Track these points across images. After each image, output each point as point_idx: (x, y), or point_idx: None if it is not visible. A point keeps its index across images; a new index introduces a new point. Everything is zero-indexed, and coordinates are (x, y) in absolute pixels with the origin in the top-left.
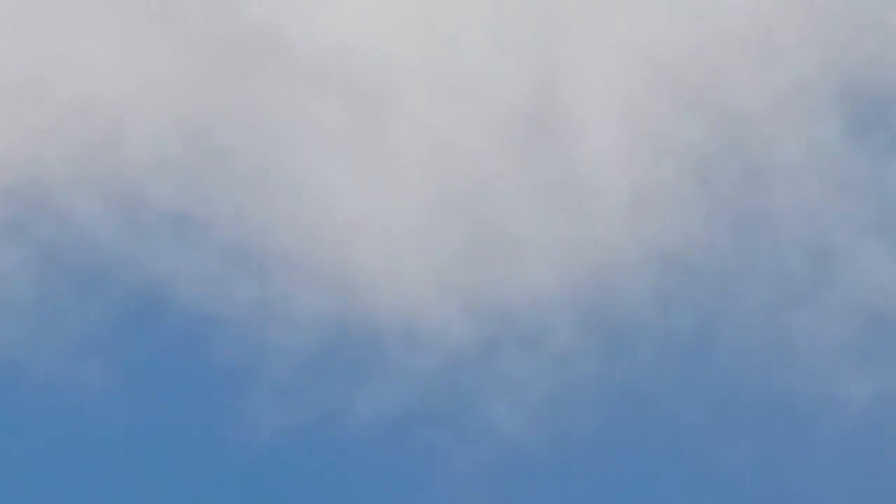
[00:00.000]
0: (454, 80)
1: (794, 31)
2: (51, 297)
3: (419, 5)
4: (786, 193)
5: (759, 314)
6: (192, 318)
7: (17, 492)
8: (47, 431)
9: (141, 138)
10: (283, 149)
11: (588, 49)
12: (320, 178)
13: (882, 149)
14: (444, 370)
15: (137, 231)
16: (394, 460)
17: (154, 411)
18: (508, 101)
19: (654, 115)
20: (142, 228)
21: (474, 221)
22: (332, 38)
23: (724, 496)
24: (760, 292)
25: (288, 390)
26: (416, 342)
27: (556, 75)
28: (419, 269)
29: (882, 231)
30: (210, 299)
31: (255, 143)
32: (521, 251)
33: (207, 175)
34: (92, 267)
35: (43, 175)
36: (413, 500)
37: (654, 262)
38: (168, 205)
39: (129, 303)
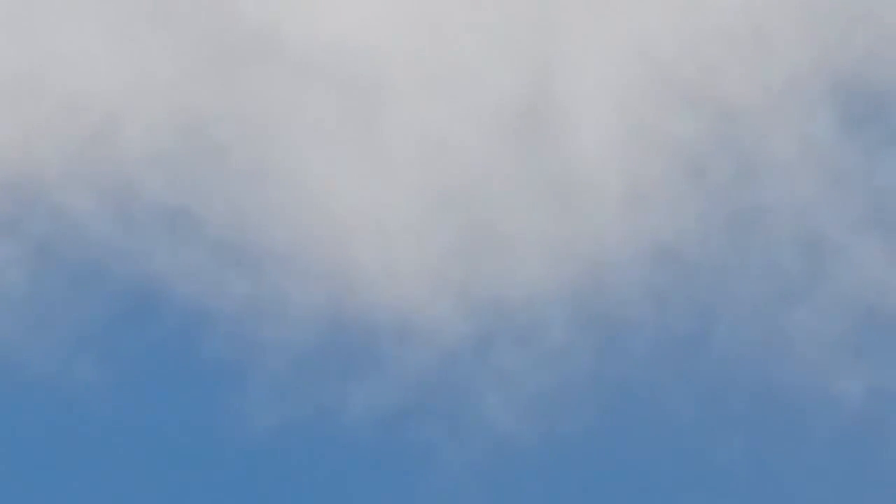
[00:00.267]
0: (449, 76)
1: (787, 26)
2: (44, 293)
3: (413, 1)
4: (779, 189)
5: (753, 310)
6: (187, 314)
7: (11, 488)
8: (41, 427)
9: (135, 134)
10: (278, 144)
11: (582, 45)
12: (315, 174)
13: (875, 144)
14: (439, 366)
15: (131, 227)
16: (388, 456)
17: (148, 407)
18: (503, 98)
19: (647, 111)
20: (136, 224)
21: (469, 217)
22: (326, 33)
23: (718, 492)
24: (754, 288)
25: (282, 386)
26: (411, 338)
27: (549, 71)
28: (413, 265)
29: (875, 226)
30: (204, 295)
31: (249, 139)
32: (516, 247)
33: (202, 170)
34: (86, 263)
35: (36, 170)
36: (407, 496)
37: (647, 257)
38: (162, 200)
39: (123, 298)
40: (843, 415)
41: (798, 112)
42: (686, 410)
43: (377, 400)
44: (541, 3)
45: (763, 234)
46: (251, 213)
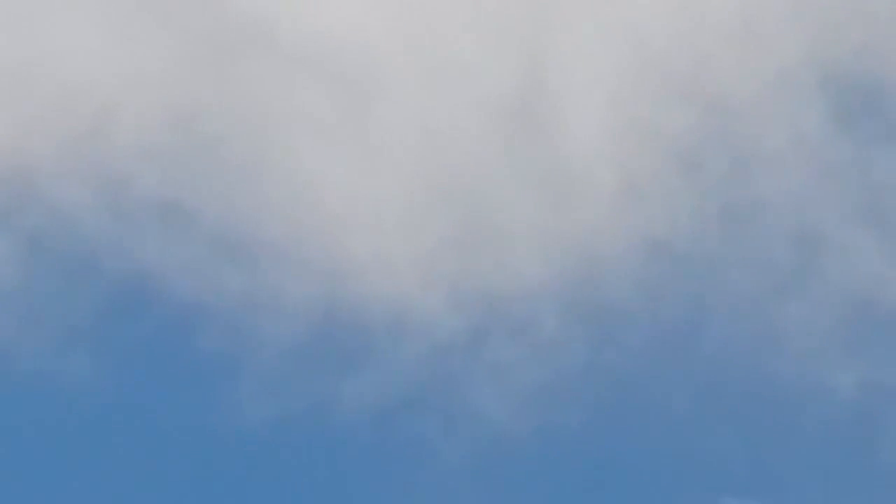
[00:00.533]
0: (441, 68)
1: (780, 21)
2: (37, 286)
3: None
4: (772, 182)
5: (746, 303)
6: (180, 307)
7: (4, 480)
8: (34, 420)
9: (128, 127)
10: (272, 138)
11: (575, 40)
12: (308, 167)
13: (867, 138)
14: (432, 359)
15: (125, 220)
16: (382, 449)
17: (141, 400)
18: (496, 90)
19: (640, 105)
20: (129, 217)
21: (462, 211)
22: (319, 27)
23: (711, 483)
24: (747, 281)
25: (276, 379)
26: (404, 331)
27: (543, 66)
28: (407, 258)
29: (868, 220)
30: (197, 288)
31: (242, 132)
32: (509, 240)
33: (195, 164)
34: (79, 256)
35: (30, 164)
36: (401, 488)
37: (640, 250)
38: (155, 193)
39: (116, 292)
40: (835, 407)
41: (791, 106)
42: (679, 402)
43: (371, 393)
44: None
45: (756, 228)
46: (244, 207)
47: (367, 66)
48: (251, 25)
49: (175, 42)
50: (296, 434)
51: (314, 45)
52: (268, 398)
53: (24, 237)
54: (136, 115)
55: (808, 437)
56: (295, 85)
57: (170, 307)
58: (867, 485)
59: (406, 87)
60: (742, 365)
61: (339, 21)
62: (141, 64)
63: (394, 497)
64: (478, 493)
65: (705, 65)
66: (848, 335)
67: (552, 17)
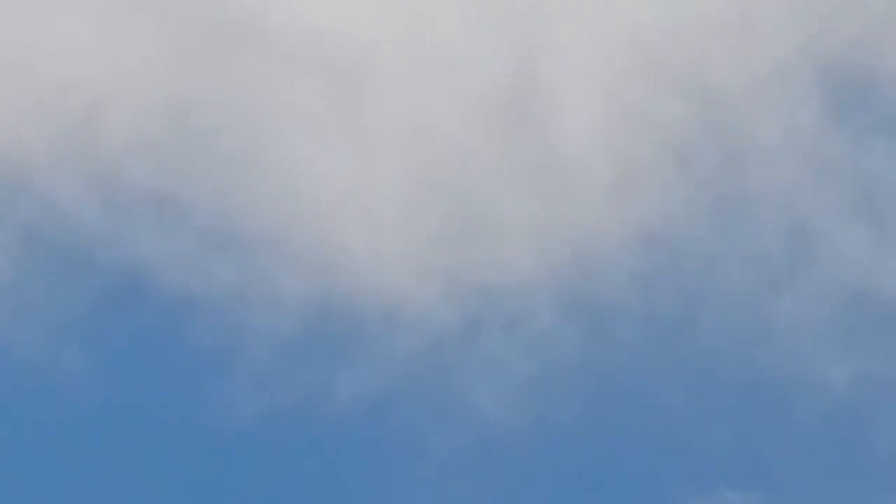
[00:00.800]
0: (434, 61)
1: (774, 14)
2: (30, 279)
3: None
4: (766, 175)
5: (740, 296)
6: (173, 300)
7: None
8: (26, 412)
9: (121, 120)
10: (264, 130)
11: (568, 31)
12: (301, 160)
13: (861, 131)
14: (426, 352)
15: (117, 213)
16: (375, 442)
17: (134, 393)
18: (488, 83)
19: (634, 97)
20: (122, 210)
21: (455, 203)
22: (311, 20)
23: (705, 476)
24: (741, 274)
25: (269, 372)
26: (398, 324)
27: (536, 57)
28: (400, 251)
29: (862, 213)
30: (190, 281)
31: (235, 125)
32: (502, 233)
33: (188, 156)
34: (71, 249)
35: (22, 156)
36: (394, 481)
37: (634, 243)
38: (148, 186)
39: (109, 284)
40: (829, 400)
41: (784, 99)
42: (672, 396)
43: (364, 385)
44: None
45: (750, 221)
46: (237, 200)
47: (360, 60)
48: (244, 19)
49: (168, 36)
50: (289, 426)
51: (307, 39)
52: (261, 391)
53: (17, 230)
54: (129, 109)
55: (801, 429)
56: (288, 78)
57: (163, 300)
58: (861, 477)
59: (399, 81)
60: (735, 357)
61: (332, 15)
62: (134, 57)
63: (387, 489)
64: (471, 485)
65: (699, 58)
66: (841, 328)
67: (545, 9)
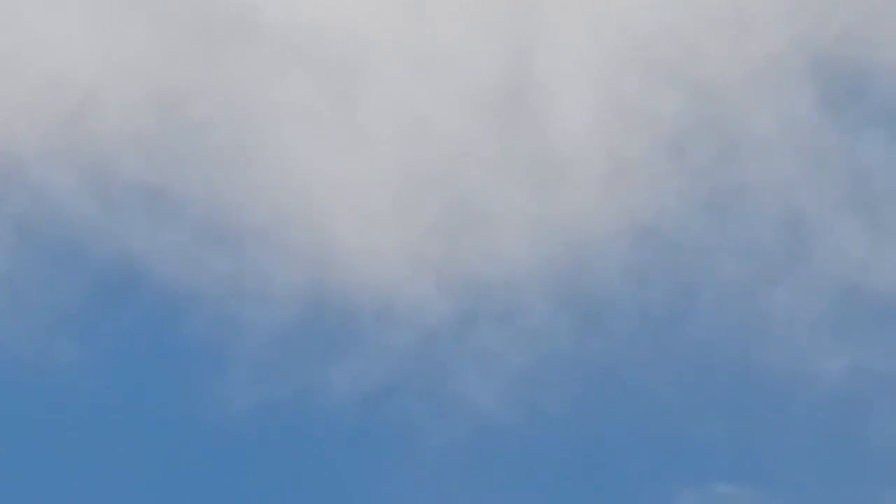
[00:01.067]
0: (427, 55)
1: (768, 6)
2: (22, 272)
3: None
4: (760, 168)
5: (734, 288)
6: (167, 293)
7: None
8: (19, 406)
9: (114, 113)
10: (257, 124)
11: (562, 25)
12: (294, 153)
13: (855, 123)
14: (420, 345)
15: (110, 205)
16: (369, 435)
17: (128, 386)
18: (482, 76)
19: (628, 90)
20: (115, 203)
21: (448, 196)
22: (306, 14)
23: (699, 470)
24: (735, 266)
25: (263, 365)
26: (392, 317)
27: (530, 52)
28: (394, 244)
29: (856, 206)
30: (184, 274)
31: (228, 118)
32: (496, 226)
33: (181, 149)
34: (65, 241)
35: (15, 149)
36: (388, 474)
37: (628, 236)
38: (141, 179)
39: (102, 277)
40: (823, 392)
41: (779, 91)
42: (666, 388)
43: (358, 379)
44: None
45: (744, 213)
46: (230, 193)
47: (353, 53)
48: (237, 12)
49: (161, 28)
50: (283, 420)
51: (301, 32)
52: (255, 384)
53: (10, 223)
54: (122, 101)
55: (796, 422)
56: (281, 72)
57: (156, 293)
58: (856, 470)
59: (393, 74)
60: (729, 350)
61: (326, 8)
62: (126, 50)
63: (381, 481)
64: (465, 477)
65: (693, 51)
66: (836, 320)
67: (540, 3)
